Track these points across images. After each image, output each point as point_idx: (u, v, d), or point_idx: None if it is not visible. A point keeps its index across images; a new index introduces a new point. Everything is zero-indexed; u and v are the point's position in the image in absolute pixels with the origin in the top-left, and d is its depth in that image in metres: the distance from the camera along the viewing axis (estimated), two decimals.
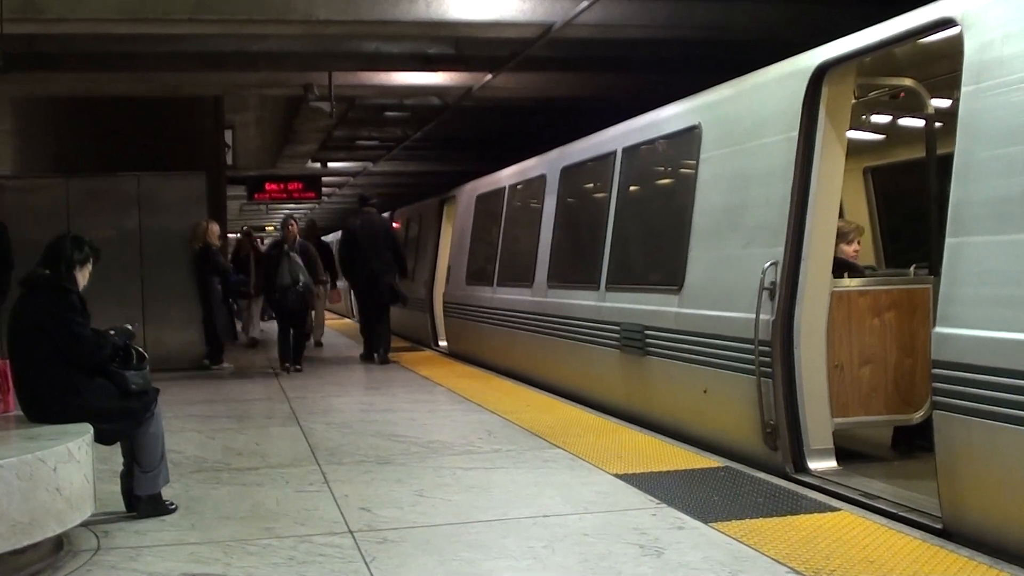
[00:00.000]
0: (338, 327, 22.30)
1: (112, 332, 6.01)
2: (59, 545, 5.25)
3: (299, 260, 13.58)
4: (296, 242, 13.90)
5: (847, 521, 5.48)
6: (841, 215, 7.54)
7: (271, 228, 46.28)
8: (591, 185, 11.37)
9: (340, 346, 17.48)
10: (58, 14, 10.33)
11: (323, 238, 21.40)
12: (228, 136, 19.96)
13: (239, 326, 17.80)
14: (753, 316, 6.99)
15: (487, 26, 11.52)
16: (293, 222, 14.09)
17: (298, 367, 13.71)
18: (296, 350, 13.85)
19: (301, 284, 13.51)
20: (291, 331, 13.85)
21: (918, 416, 6.96)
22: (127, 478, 6.02)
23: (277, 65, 14.06)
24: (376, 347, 14.72)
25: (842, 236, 7.37)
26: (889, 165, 10.21)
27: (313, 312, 16.16)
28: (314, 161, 25.14)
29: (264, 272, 14.18)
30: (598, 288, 10.08)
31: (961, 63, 5.44)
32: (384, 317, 14.84)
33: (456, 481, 6.70)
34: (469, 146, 22.92)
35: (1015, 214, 4.98)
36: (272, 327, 17.13)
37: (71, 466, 5.02)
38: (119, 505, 6.02)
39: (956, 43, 5.55)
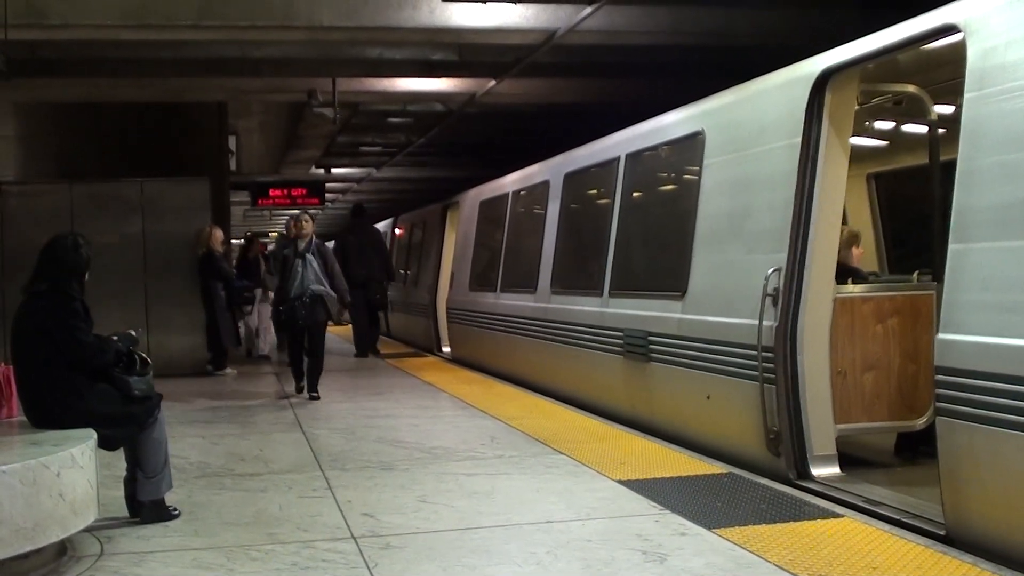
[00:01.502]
0: (338, 332, 22.27)
1: (115, 337, 6.01)
2: (62, 550, 5.25)
3: (316, 264, 11.34)
4: (312, 242, 11.53)
5: (850, 527, 5.48)
6: (844, 221, 7.54)
7: (275, 234, 46.27)
8: (594, 191, 11.37)
9: (341, 351, 17.47)
10: (61, 20, 10.36)
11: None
12: (232, 142, 19.98)
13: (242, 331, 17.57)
14: (756, 322, 6.99)
15: (490, 32, 11.54)
16: (308, 218, 11.75)
17: (314, 394, 11.36)
18: (312, 373, 11.49)
19: (318, 295, 11.29)
20: (303, 350, 11.65)
21: (921, 422, 6.96)
22: (130, 483, 6.02)
23: (281, 71, 14.09)
24: (367, 344, 16.43)
25: (851, 242, 7.40)
26: (892, 171, 10.21)
27: None
28: (318, 167, 25.17)
29: (270, 279, 12.03)
30: (601, 294, 10.08)
31: (964, 69, 5.45)
32: (375, 317, 16.70)
33: (459, 487, 6.70)
34: (472, 152, 22.94)
35: (1018, 220, 4.97)
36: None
37: (75, 471, 5.02)
38: (122, 510, 6.02)
39: (959, 49, 5.55)
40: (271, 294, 15.10)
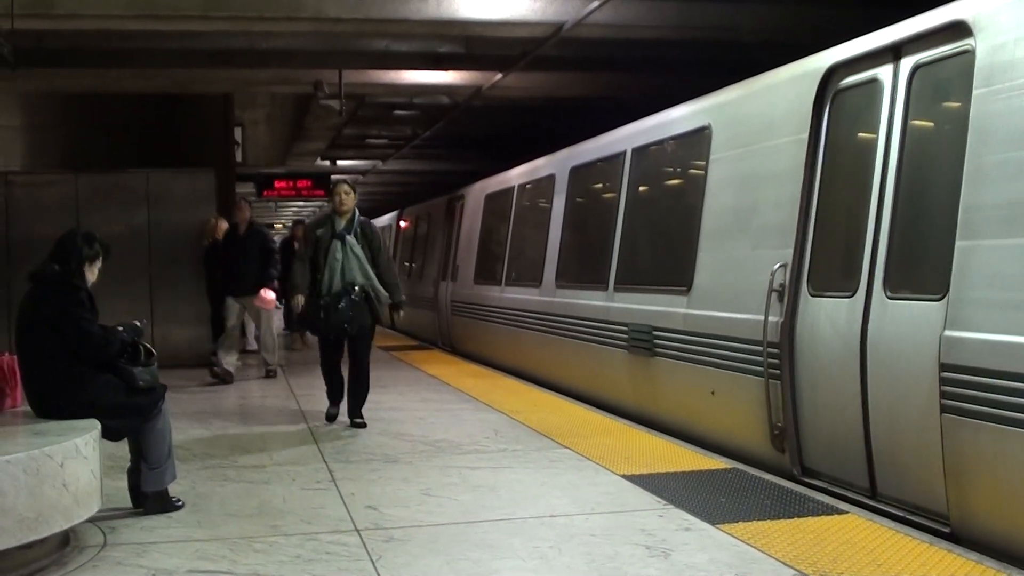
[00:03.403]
0: None
1: (120, 328, 6.01)
2: (65, 541, 5.26)
3: (360, 251, 8.67)
4: (356, 220, 8.82)
5: (854, 524, 5.47)
6: None
7: (280, 225, 46.30)
8: (600, 185, 11.36)
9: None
10: (68, 10, 10.36)
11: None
12: (238, 133, 19.98)
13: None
14: (762, 318, 6.98)
15: (498, 25, 11.53)
16: (349, 188, 8.92)
17: (359, 420, 8.80)
18: (358, 393, 8.89)
19: (363, 290, 8.59)
20: (339, 364, 9.05)
21: None
22: (134, 474, 6.03)
23: (287, 62, 14.09)
24: None
25: None
26: None
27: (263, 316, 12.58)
28: (323, 159, 25.19)
29: (300, 266, 8.91)
30: (606, 288, 10.07)
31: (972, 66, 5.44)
32: None
33: (463, 480, 6.70)
34: (478, 145, 22.94)
35: None
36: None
37: (78, 462, 5.02)
38: (126, 501, 6.03)
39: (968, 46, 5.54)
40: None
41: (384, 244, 9.07)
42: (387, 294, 8.74)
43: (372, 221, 9.27)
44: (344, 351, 8.94)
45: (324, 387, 9.23)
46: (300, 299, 8.84)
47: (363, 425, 8.71)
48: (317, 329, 8.90)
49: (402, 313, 9.12)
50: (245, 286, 12.20)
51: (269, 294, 11.95)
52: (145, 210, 13.97)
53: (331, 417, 9.03)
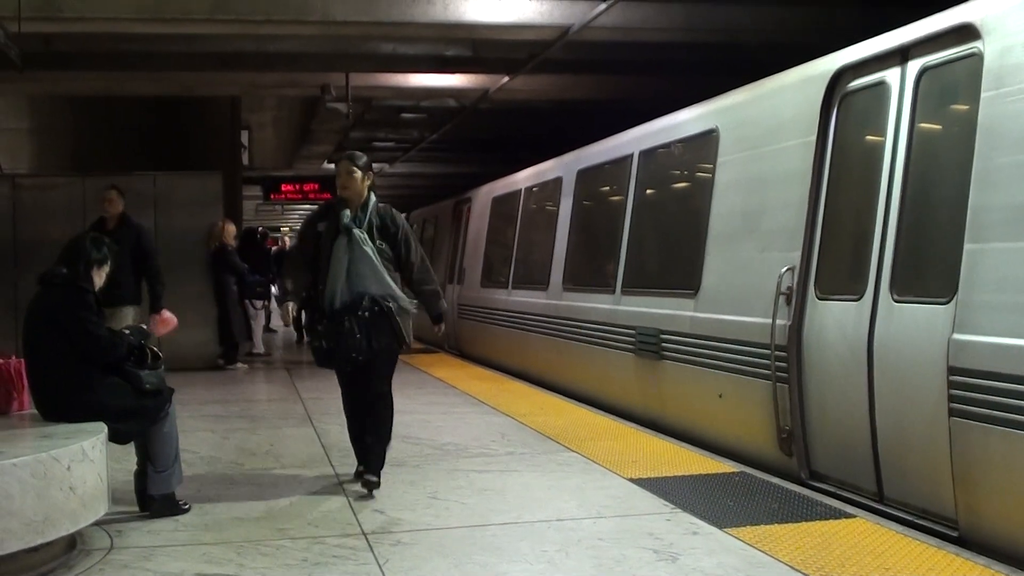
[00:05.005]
0: None
1: (127, 331, 6.02)
2: (72, 544, 5.25)
3: (374, 250, 6.46)
4: (372, 207, 6.58)
5: (862, 528, 5.45)
6: None
7: (286, 229, 46.31)
8: (607, 188, 11.35)
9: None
10: (76, 13, 10.39)
11: None
12: (244, 136, 20.01)
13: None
14: (769, 321, 6.96)
15: (505, 28, 11.54)
16: (356, 168, 6.56)
17: (373, 479, 6.43)
18: (374, 436, 6.65)
19: (376, 303, 6.42)
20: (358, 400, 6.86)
21: None
22: (141, 477, 6.02)
23: (294, 65, 14.12)
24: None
25: None
26: None
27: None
28: (330, 162, 25.19)
29: (294, 270, 7.08)
30: (613, 291, 10.06)
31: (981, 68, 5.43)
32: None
33: (470, 484, 6.69)
34: (485, 148, 22.96)
35: None
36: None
37: (85, 465, 5.01)
38: (133, 504, 6.02)
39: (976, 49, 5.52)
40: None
41: (414, 239, 6.84)
42: (411, 304, 6.67)
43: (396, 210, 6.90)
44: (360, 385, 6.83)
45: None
46: (291, 306, 7.86)
47: (376, 485, 6.41)
48: (323, 361, 6.63)
49: (443, 327, 7.12)
50: (115, 296, 8.82)
51: (170, 318, 9.16)
52: (152, 213, 13.95)
53: (367, 479, 6.50)
